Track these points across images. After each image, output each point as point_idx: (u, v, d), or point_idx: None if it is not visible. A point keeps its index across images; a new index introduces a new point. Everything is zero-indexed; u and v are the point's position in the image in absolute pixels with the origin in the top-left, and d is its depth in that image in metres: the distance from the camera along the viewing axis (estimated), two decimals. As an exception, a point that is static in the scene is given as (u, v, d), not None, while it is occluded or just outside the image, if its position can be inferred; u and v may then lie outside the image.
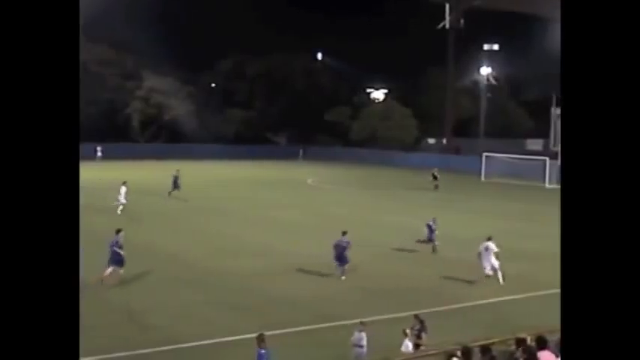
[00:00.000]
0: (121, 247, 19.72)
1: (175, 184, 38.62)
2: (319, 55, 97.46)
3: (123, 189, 33.28)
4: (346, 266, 21.11)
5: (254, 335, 12.43)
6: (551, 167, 52.56)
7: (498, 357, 10.87)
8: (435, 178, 49.26)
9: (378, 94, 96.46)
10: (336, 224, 32.32)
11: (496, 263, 21.20)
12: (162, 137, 79.61)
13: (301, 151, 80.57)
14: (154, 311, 17.48)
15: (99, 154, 67.25)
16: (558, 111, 58.62)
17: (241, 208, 36.96)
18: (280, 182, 53.32)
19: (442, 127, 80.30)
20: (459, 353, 10.34)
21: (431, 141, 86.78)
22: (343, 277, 20.96)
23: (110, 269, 19.53)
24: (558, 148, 51.40)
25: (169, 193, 38.26)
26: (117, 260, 19.58)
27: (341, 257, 21.06)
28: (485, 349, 10.61)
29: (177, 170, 39.65)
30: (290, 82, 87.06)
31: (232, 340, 14.69)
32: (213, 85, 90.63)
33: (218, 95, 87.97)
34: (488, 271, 21.20)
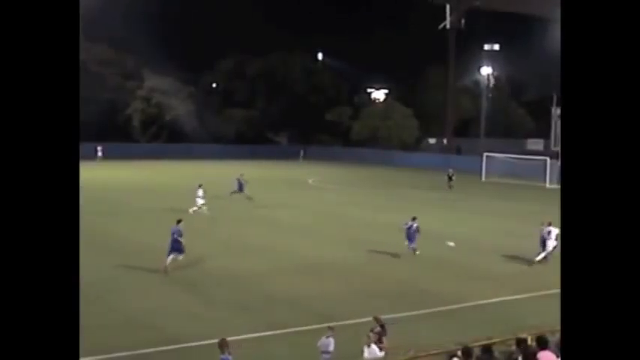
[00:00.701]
0: (181, 236, 21.42)
1: (240, 188, 38.76)
2: (319, 55, 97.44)
3: (200, 191, 33.77)
4: (415, 244, 24.40)
5: (255, 335, 12.41)
6: (552, 167, 52.55)
7: (498, 357, 10.89)
8: (450, 178, 49.87)
9: (379, 94, 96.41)
10: (337, 224, 32.47)
11: (551, 245, 23.23)
12: (162, 137, 79.63)
13: (302, 151, 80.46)
14: (154, 311, 17.47)
15: (99, 154, 67.27)
16: (558, 111, 58.63)
17: (242, 207, 36.93)
18: (281, 182, 53.29)
19: (443, 127, 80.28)
20: (459, 353, 10.36)
21: (431, 141, 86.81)
22: (417, 252, 24.29)
23: (170, 257, 21.19)
24: (559, 148, 51.39)
25: (248, 197, 38.18)
26: (177, 248, 21.33)
27: (411, 238, 24.43)
28: (486, 349, 10.63)
29: (242, 174, 39.76)
30: (290, 82, 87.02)
31: (232, 340, 14.63)
32: (213, 85, 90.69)
33: (218, 95, 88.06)
34: (541, 257, 23.41)
